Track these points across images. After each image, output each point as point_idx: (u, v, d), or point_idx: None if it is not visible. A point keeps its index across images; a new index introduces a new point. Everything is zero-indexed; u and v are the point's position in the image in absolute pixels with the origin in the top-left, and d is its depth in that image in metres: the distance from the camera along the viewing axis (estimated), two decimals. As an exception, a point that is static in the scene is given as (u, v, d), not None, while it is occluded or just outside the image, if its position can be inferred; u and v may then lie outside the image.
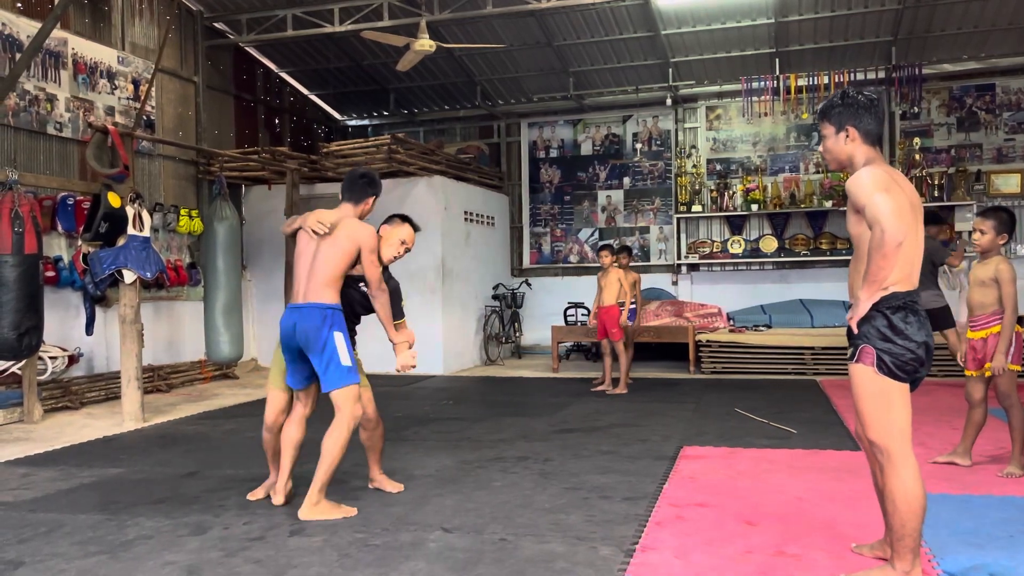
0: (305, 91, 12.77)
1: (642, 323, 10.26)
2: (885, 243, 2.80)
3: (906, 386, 3.00)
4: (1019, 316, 4.74)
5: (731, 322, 10.79)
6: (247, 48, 11.34)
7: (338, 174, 10.25)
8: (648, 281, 11.97)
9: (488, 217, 11.95)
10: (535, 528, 3.79)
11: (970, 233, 5.19)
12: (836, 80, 10.44)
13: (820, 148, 3.28)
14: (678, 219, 11.88)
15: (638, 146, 12.37)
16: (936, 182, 10.69)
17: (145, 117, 9.14)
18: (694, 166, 11.85)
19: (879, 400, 2.98)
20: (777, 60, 10.85)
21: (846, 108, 3.10)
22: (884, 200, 2.84)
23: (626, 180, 12.42)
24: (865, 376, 3.00)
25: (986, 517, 3.81)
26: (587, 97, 12.18)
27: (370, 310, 4.34)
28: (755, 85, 10.80)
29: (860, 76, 10.52)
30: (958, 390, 6.38)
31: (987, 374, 4.70)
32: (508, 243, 12.81)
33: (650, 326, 10.21)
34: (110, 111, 8.79)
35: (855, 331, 3.03)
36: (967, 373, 4.84)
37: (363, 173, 4.39)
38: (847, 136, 3.11)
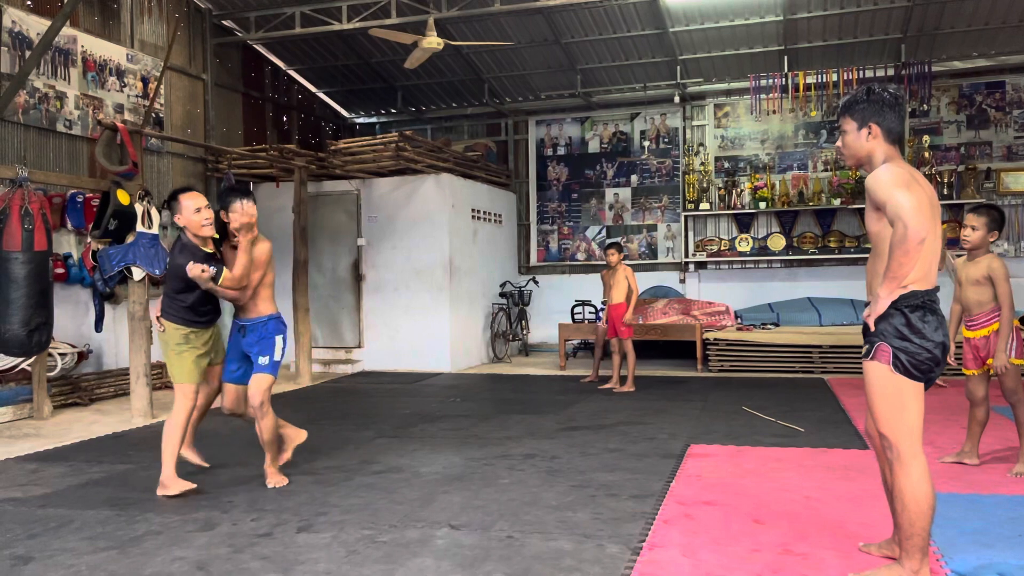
0: (313, 89, 12.79)
1: (646, 321, 10.26)
2: (908, 239, 2.77)
3: (920, 385, 2.98)
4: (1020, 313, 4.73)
5: (739, 320, 10.77)
6: (255, 46, 11.37)
7: (346, 172, 10.28)
8: (655, 279, 11.98)
9: (495, 215, 11.96)
10: (542, 525, 3.80)
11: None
12: (845, 77, 10.39)
13: (838, 143, 3.24)
14: (686, 217, 11.86)
15: (646, 144, 12.35)
16: (945, 180, 10.65)
17: (154, 114, 9.17)
18: (702, 164, 11.83)
19: (893, 398, 2.97)
20: (786, 57, 10.82)
21: (871, 105, 3.06)
22: (905, 197, 2.82)
23: (634, 178, 12.41)
24: (880, 374, 2.98)
25: (995, 516, 3.80)
26: (595, 95, 12.16)
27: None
28: (763, 83, 10.76)
29: (869, 73, 10.47)
30: (960, 389, 6.34)
31: (990, 372, 4.69)
32: (515, 241, 12.81)
33: (657, 324, 10.20)
34: (119, 108, 8.82)
35: (872, 328, 3.01)
36: (966, 372, 4.82)
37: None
38: (869, 133, 3.06)
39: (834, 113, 11.12)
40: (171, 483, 4.47)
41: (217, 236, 4.67)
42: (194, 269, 4.37)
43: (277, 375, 4.66)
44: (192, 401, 4.63)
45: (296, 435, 5.01)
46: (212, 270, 4.40)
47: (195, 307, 4.60)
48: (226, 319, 4.85)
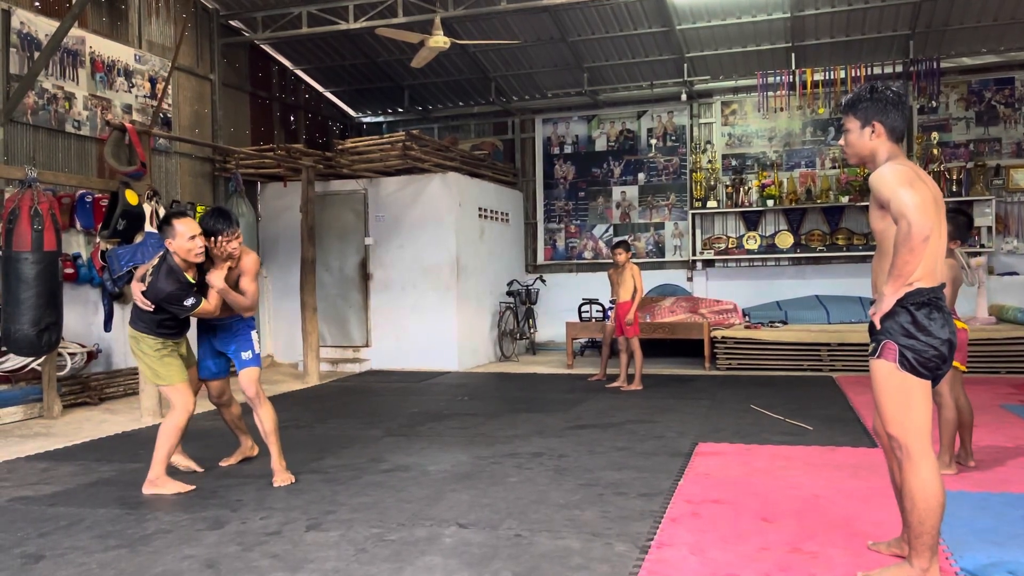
0: (320, 88, 12.81)
1: (654, 319, 10.25)
2: (912, 237, 2.78)
3: (927, 383, 2.97)
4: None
5: (746, 318, 10.74)
6: (263, 46, 11.39)
7: (353, 171, 10.30)
8: (663, 277, 11.96)
9: (502, 213, 11.96)
10: (550, 524, 3.80)
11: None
12: (853, 74, 10.35)
13: (841, 141, 3.24)
14: (693, 215, 11.83)
15: (653, 142, 12.33)
16: (954, 177, 10.60)
17: (162, 115, 9.21)
18: (709, 162, 11.80)
19: (900, 396, 2.96)
20: (793, 55, 10.78)
21: (873, 103, 3.06)
22: (909, 195, 2.82)
23: (641, 176, 12.39)
24: (886, 372, 2.97)
25: (1005, 515, 3.79)
26: (601, 93, 12.14)
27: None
28: (771, 80, 10.73)
29: (877, 70, 10.43)
30: (968, 387, 6.32)
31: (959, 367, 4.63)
32: (522, 239, 12.81)
33: (665, 322, 10.18)
34: (127, 109, 8.86)
35: (878, 326, 3.00)
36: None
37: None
38: (872, 131, 3.07)
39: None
40: (162, 482, 4.53)
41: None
42: (135, 290, 4.61)
43: (261, 365, 4.88)
44: (191, 399, 4.69)
45: (246, 446, 5.34)
46: (150, 306, 4.57)
47: (164, 323, 4.68)
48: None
